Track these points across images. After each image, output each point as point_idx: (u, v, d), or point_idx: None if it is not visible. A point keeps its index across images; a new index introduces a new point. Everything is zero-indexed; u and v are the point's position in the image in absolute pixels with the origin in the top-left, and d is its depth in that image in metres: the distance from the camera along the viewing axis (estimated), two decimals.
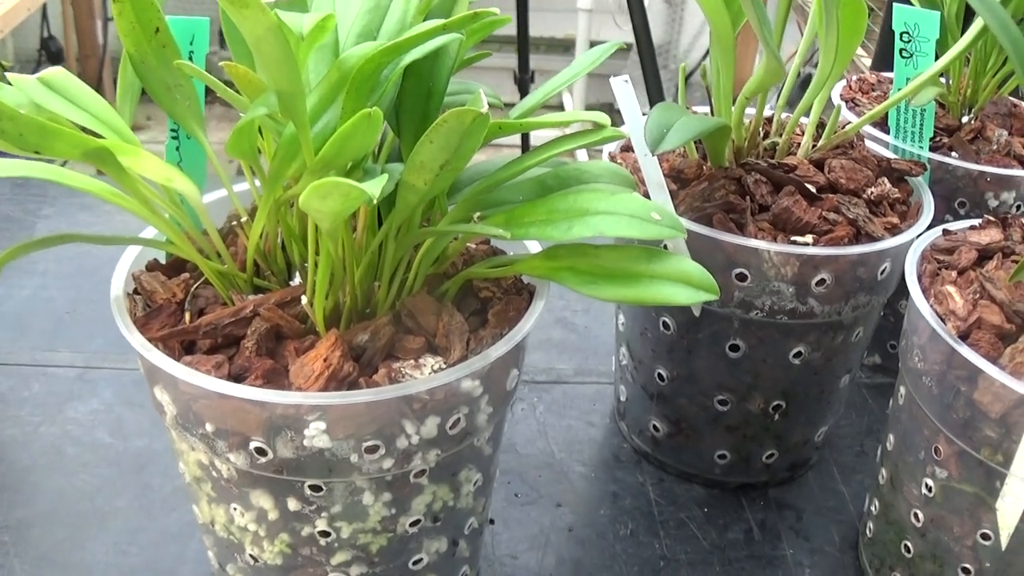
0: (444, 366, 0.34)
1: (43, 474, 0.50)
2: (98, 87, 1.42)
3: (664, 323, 0.47)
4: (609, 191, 0.32)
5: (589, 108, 2.04)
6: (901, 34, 0.52)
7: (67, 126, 0.38)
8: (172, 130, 0.40)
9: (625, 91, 0.43)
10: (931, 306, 0.40)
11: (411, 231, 0.34)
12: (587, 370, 0.57)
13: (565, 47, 2.08)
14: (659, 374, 0.48)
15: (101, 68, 1.41)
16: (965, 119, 0.57)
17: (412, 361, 0.35)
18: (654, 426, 0.50)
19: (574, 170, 0.35)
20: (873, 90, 0.60)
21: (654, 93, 1.31)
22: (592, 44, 1.90)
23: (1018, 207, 0.54)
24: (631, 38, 1.30)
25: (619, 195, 0.31)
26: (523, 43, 1.38)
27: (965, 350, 0.37)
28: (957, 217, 0.54)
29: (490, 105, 0.39)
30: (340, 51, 0.35)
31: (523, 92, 1.43)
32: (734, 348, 0.46)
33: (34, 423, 0.53)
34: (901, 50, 0.52)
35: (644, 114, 0.40)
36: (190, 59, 0.40)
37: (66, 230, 0.59)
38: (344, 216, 0.28)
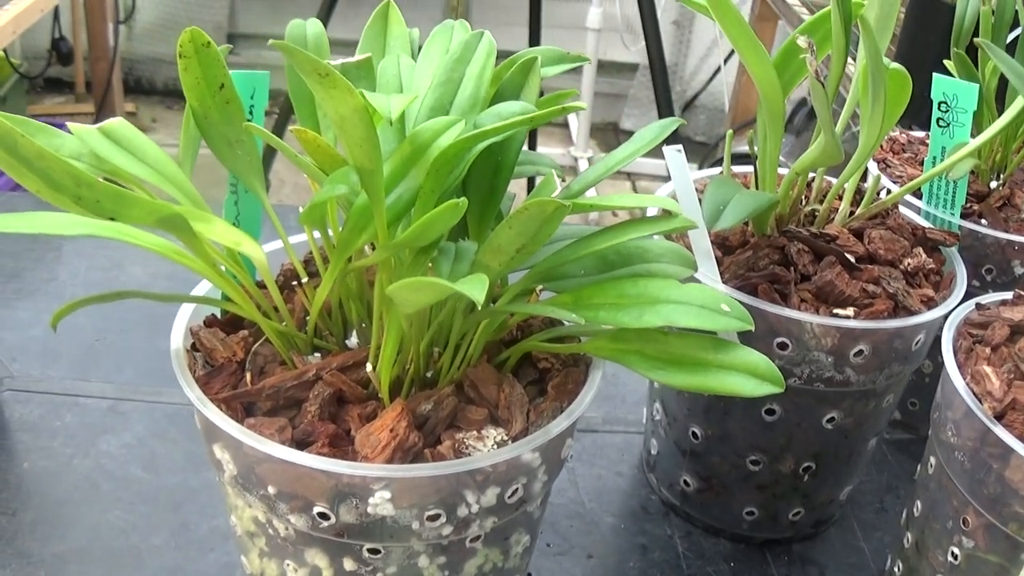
0: (506, 438, 0.35)
1: (77, 508, 0.50)
2: (107, 89, 1.41)
3: None
4: (677, 278, 0.33)
5: (595, 127, 2.05)
6: (939, 104, 0.53)
7: (132, 183, 0.38)
8: (232, 184, 0.41)
9: (677, 160, 0.44)
10: (967, 384, 0.41)
11: (479, 307, 0.35)
12: (616, 419, 0.58)
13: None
14: (693, 432, 0.49)
15: (111, 70, 1.40)
16: (994, 184, 0.59)
17: (475, 432, 0.35)
18: (685, 481, 0.51)
19: (636, 247, 0.36)
20: (904, 151, 0.62)
21: (664, 114, 1.32)
22: (600, 63, 1.91)
23: None
24: (639, 58, 1.32)
25: (689, 285, 0.32)
26: None
27: (1000, 431, 0.39)
28: (984, 283, 0.55)
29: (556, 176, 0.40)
30: (409, 122, 0.36)
31: None
32: (770, 412, 0.47)
33: (67, 455, 0.53)
34: (938, 119, 0.54)
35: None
36: (250, 113, 0.41)
37: (99, 282, 0.59)
38: (432, 304, 0.29)
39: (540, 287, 0.36)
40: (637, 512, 0.52)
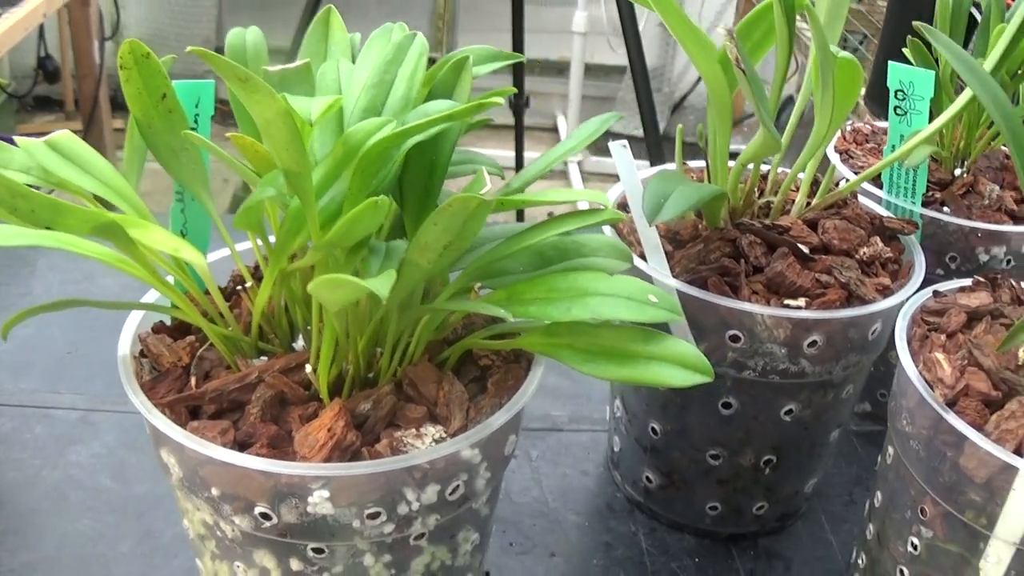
0: (445, 436, 0.35)
1: (46, 518, 0.51)
2: (94, 107, 1.43)
3: None
4: (608, 272, 0.33)
5: None
6: (896, 92, 0.53)
7: (78, 194, 0.38)
8: (177, 192, 0.41)
9: (623, 156, 0.44)
10: (920, 372, 0.41)
11: (414, 305, 0.35)
12: (581, 417, 0.58)
13: (559, 69, 2.10)
14: (652, 428, 0.49)
15: (98, 87, 1.42)
16: (958, 171, 0.58)
17: (413, 430, 0.35)
18: (647, 477, 0.51)
19: (573, 242, 0.36)
20: (867, 141, 0.62)
21: (648, 117, 1.33)
22: (587, 66, 1.91)
23: (1009, 261, 0.56)
24: (626, 60, 1.32)
25: (617, 277, 0.32)
26: (518, 67, 1.39)
27: (952, 418, 0.38)
28: (948, 271, 0.55)
29: (491, 174, 0.40)
30: (344, 124, 0.36)
31: (517, 117, 1.44)
32: (727, 405, 0.46)
33: (36, 466, 0.54)
34: (896, 107, 0.53)
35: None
36: (195, 121, 0.41)
37: (72, 294, 0.60)
38: (350, 302, 0.29)
39: (479, 285, 0.36)
40: (602, 510, 0.52)
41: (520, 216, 1.46)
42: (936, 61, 0.55)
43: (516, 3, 1.35)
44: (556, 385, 0.60)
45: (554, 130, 2.12)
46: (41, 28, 1.72)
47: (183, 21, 1.97)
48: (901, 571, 0.44)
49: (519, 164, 1.51)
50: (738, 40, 0.35)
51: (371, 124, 0.34)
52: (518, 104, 1.43)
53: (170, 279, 0.39)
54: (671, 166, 0.50)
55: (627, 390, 0.50)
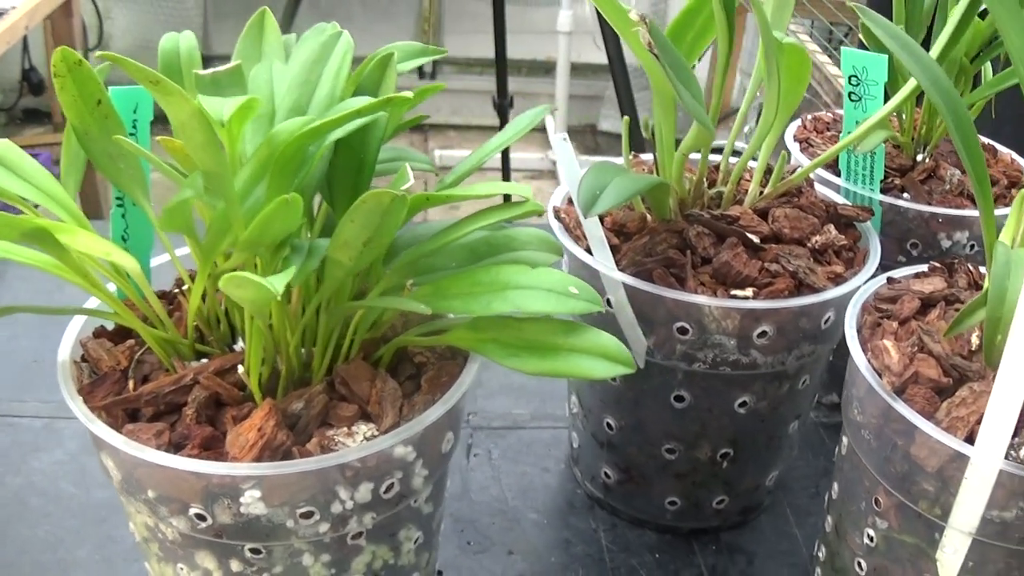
0: (376, 433, 0.35)
1: (6, 525, 0.51)
2: None
3: None
4: (530, 265, 0.33)
5: (571, 130, 2.06)
6: (850, 78, 0.53)
7: (16, 202, 0.39)
8: (117, 198, 0.41)
9: (564, 149, 0.44)
10: (868, 360, 0.40)
11: (341, 302, 0.35)
12: (544, 414, 0.57)
13: (546, 69, 2.10)
14: (608, 423, 0.49)
15: None
16: (920, 157, 0.58)
17: (345, 429, 0.35)
18: (605, 473, 0.51)
19: (504, 236, 0.36)
20: (828, 129, 0.61)
21: (629, 114, 1.32)
22: (573, 66, 1.91)
23: (972, 247, 0.55)
24: None
25: (539, 269, 0.31)
26: (501, 68, 1.39)
27: (901, 406, 0.38)
28: (910, 258, 0.55)
29: (425, 171, 0.40)
30: (274, 124, 0.36)
31: (502, 117, 1.44)
32: (679, 399, 0.46)
33: None
34: (850, 94, 0.53)
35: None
36: (134, 127, 0.41)
37: (11, 302, 0.60)
38: (263, 301, 0.28)
39: (411, 281, 0.36)
40: (562, 507, 0.51)
41: None
42: None
43: (497, 4, 1.35)
44: (519, 382, 0.59)
45: (542, 130, 2.12)
46: (25, 40, 1.73)
47: (169, 30, 1.97)
48: (859, 564, 0.43)
49: (505, 165, 1.51)
50: (651, 25, 0.34)
51: (295, 123, 0.33)
52: (502, 105, 1.42)
53: (111, 285, 0.39)
54: (618, 159, 0.50)
55: (582, 386, 0.50)
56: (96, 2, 1.79)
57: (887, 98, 0.51)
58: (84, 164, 0.40)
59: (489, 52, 1.45)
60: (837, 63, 1.33)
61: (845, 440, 0.43)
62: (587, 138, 2.14)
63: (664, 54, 0.35)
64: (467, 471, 0.54)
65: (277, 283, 0.26)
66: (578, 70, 1.90)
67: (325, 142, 0.32)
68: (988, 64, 0.58)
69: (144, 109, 0.41)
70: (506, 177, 1.60)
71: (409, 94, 0.31)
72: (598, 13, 1.37)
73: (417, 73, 2.11)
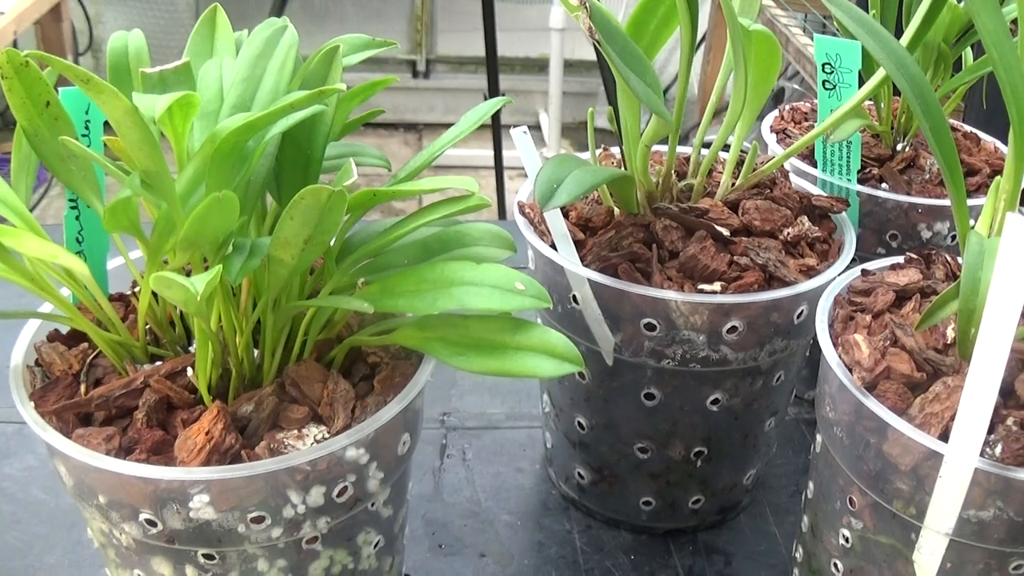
0: (327, 435, 0.34)
1: None
2: None
3: (579, 373, 0.46)
4: (476, 261, 0.32)
5: (566, 127, 2.05)
6: (823, 65, 0.52)
7: None
8: (71, 200, 0.40)
9: (524, 142, 0.43)
10: (839, 355, 0.39)
11: (290, 301, 0.34)
12: (519, 414, 0.57)
13: (540, 66, 2.09)
14: (579, 422, 0.48)
15: None
16: (900, 146, 0.57)
17: (295, 431, 0.34)
18: (579, 473, 0.50)
19: (456, 232, 0.35)
20: (806, 119, 0.60)
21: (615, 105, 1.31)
22: (567, 63, 1.90)
23: (953, 237, 0.54)
24: None
25: (484, 265, 0.31)
26: (492, 67, 1.38)
27: (872, 402, 0.37)
28: (889, 250, 0.53)
29: (378, 167, 0.39)
30: (220, 114, 0.35)
31: (493, 118, 1.43)
32: (649, 396, 0.45)
33: None
34: (824, 81, 0.52)
35: None
36: (86, 128, 0.40)
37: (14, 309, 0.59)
38: (190, 301, 0.28)
39: (362, 279, 0.35)
40: (536, 508, 0.51)
41: None
42: None
43: (486, 4, 1.34)
44: (493, 381, 0.58)
45: (536, 127, 2.11)
46: (15, 45, 1.73)
47: (161, 33, 1.98)
48: (835, 565, 0.42)
49: (498, 163, 1.50)
50: (594, 8, 0.33)
51: (237, 120, 0.33)
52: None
53: (65, 289, 0.38)
54: (584, 154, 0.49)
55: (552, 384, 0.49)
56: (85, 6, 1.79)
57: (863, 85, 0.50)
58: (36, 166, 0.40)
59: (483, 51, 1.44)
60: None
61: (820, 438, 0.42)
62: (581, 135, 2.13)
63: (609, 40, 0.33)
64: (440, 472, 0.53)
65: (198, 283, 0.25)
66: (572, 66, 1.89)
67: (266, 137, 0.32)
68: (968, 49, 0.57)
69: (96, 110, 0.41)
70: (499, 173, 1.59)
71: (343, 86, 0.30)
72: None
73: (410, 72, 2.10)
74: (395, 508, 0.39)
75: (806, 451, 0.55)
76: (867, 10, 0.56)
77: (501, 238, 0.34)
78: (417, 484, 0.51)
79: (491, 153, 1.57)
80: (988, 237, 0.40)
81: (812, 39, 1.36)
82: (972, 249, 0.37)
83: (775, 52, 0.45)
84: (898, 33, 0.57)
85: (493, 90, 1.41)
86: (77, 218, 0.41)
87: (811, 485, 0.44)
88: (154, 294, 0.38)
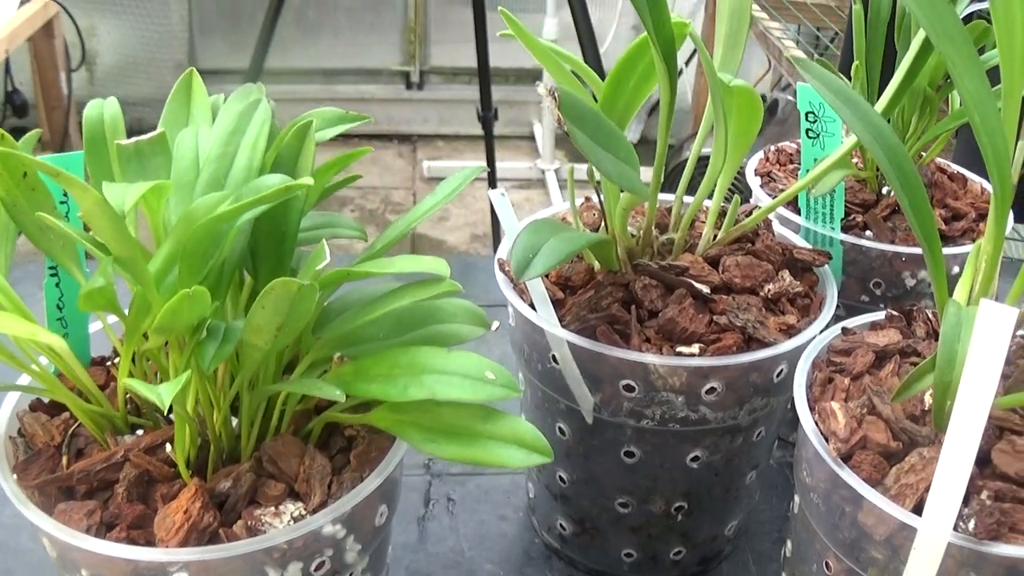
0: (304, 512, 0.34)
1: None
2: (64, 138, 1.43)
3: (560, 429, 0.46)
4: (456, 337, 0.32)
5: (560, 137, 2.04)
6: (807, 114, 0.52)
7: None
8: (51, 267, 0.40)
9: (502, 204, 0.43)
10: (815, 423, 0.39)
11: (265, 382, 0.34)
12: None
13: (534, 77, 2.09)
14: (560, 476, 0.48)
15: (67, 119, 1.42)
16: (885, 190, 0.57)
17: (272, 508, 0.34)
18: (561, 524, 0.50)
19: (430, 307, 0.35)
20: (791, 162, 0.60)
21: None
22: None
23: None
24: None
25: (455, 353, 0.31)
26: (484, 80, 1.38)
27: (847, 474, 0.37)
28: (873, 297, 0.53)
29: (354, 238, 0.39)
30: (193, 197, 0.35)
31: (486, 130, 1.43)
32: (629, 454, 0.45)
33: None
34: (807, 130, 0.52)
35: None
36: (65, 195, 0.40)
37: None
38: (160, 405, 0.28)
39: (339, 354, 0.35)
40: (519, 557, 0.51)
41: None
42: (849, 79, 0.53)
43: (478, 17, 1.34)
44: None
45: (531, 138, 2.11)
46: (8, 63, 1.73)
47: (155, 47, 1.97)
48: None
49: (491, 177, 1.50)
50: (562, 99, 0.33)
51: (211, 200, 0.33)
52: (486, 117, 1.41)
53: (45, 358, 0.38)
54: (560, 209, 0.49)
55: None
56: (77, 22, 1.79)
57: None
58: (15, 235, 0.40)
59: (475, 62, 1.44)
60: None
61: (797, 499, 0.43)
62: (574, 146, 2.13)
63: (579, 124, 0.33)
64: (424, 520, 0.53)
65: (165, 395, 0.26)
66: None
67: (237, 223, 0.32)
68: (955, 92, 0.57)
69: (74, 175, 0.41)
70: (492, 185, 1.59)
71: (310, 180, 0.30)
72: (574, 17, 1.36)
73: (404, 84, 2.10)
74: (374, 573, 0.39)
75: (790, 496, 0.56)
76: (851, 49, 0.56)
77: (475, 315, 0.35)
78: (401, 534, 0.52)
79: (484, 163, 1.57)
80: (968, 304, 0.41)
81: (805, 52, 1.36)
82: (949, 321, 0.37)
83: (756, 107, 0.45)
84: (885, 75, 0.57)
85: (485, 104, 1.41)
86: (57, 285, 0.41)
87: (789, 544, 0.44)
88: (133, 360, 0.38)
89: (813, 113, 0.51)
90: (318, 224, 0.38)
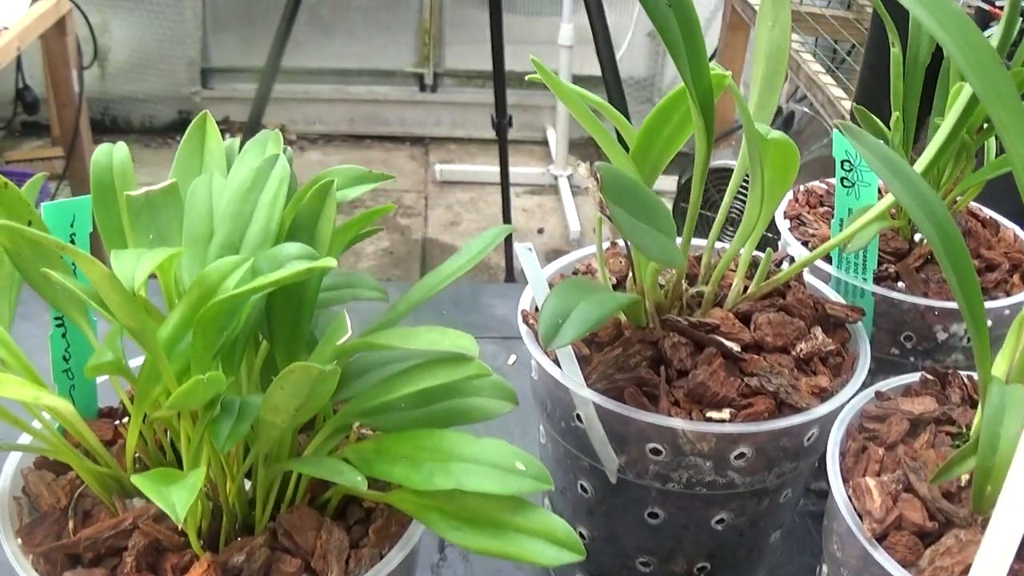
0: None
1: None
2: (75, 136, 1.42)
3: (582, 486, 0.45)
4: (495, 414, 0.31)
5: (573, 143, 2.02)
6: (842, 162, 0.50)
7: None
8: (56, 317, 0.39)
9: (529, 259, 0.41)
10: (849, 497, 0.38)
11: (281, 456, 0.33)
12: None
13: None
14: (580, 532, 0.47)
15: (78, 117, 1.41)
16: (918, 236, 0.55)
17: None
18: None
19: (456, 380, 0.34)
20: (821, 204, 0.58)
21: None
22: (575, 78, 1.88)
23: (968, 339, 0.52)
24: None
25: (484, 441, 0.29)
26: (499, 87, 1.36)
27: (881, 555, 0.35)
28: (904, 351, 0.52)
29: (375, 300, 0.37)
30: (206, 257, 0.34)
31: (500, 137, 1.41)
32: (653, 516, 0.44)
33: None
34: (843, 179, 0.50)
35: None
36: (72, 240, 0.39)
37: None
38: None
39: (358, 424, 0.34)
40: None
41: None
42: (888, 127, 0.51)
43: (495, 24, 1.32)
44: None
45: (544, 143, 2.08)
46: (19, 59, 1.71)
47: (167, 43, 1.96)
48: None
49: (504, 184, 1.48)
50: (604, 178, 0.32)
51: (226, 265, 0.31)
52: (501, 124, 1.39)
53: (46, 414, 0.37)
54: (584, 252, 0.47)
55: (553, 493, 0.48)
56: (89, 19, 1.77)
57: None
58: (19, 285, 0.38)
59: (489, 64, 1.42)
60: (839, 83, 1.29)
61: (825, 569, 0.41)
62: (589, 151, 2.10)
63: (620, 202, 0.32)
64: (439, 568, 0.52)
65: (179, 507, 0.24)
66: (579, 82, 1.86)
67: (253, 297, 0.30)
68: (993, 139, 0.55)
69: (82, 221, 0.39)
70: (506, 195, 1.57)
71: (332, 262, 0.28)
72: (591, 23, 1.34)
73: (418, 86, 2.08)
74: None
75: (811, 547, 0.54)
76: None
77: (503, 390, 0.33)
78: None
79: (497, 169, 1.55)
80: (1008, 379, 0.39)
81: (822, 66, 1.33)
82: (992, 402, 0.35)
83: (792, 158, 0.44)
84: (924, 112, 0.55)
85: (500, 111, 1.39)
86: (64, 335, 0.40)
87: None
88: (144, 418, 0.37)
89: (849, 162, 0.49)
90: (338, 284, 0.36)
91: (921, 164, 0.45)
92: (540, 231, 1.84)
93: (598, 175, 0.31)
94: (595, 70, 1.80)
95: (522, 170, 1.93)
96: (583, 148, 2.08)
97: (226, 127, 2.04)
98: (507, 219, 1.59)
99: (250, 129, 1.51)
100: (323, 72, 2.00)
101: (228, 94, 2.01)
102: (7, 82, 1.85)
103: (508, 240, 1.59)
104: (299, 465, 0.31)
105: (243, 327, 0.31)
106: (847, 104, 1.12)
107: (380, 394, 0.32)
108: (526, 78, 0.45)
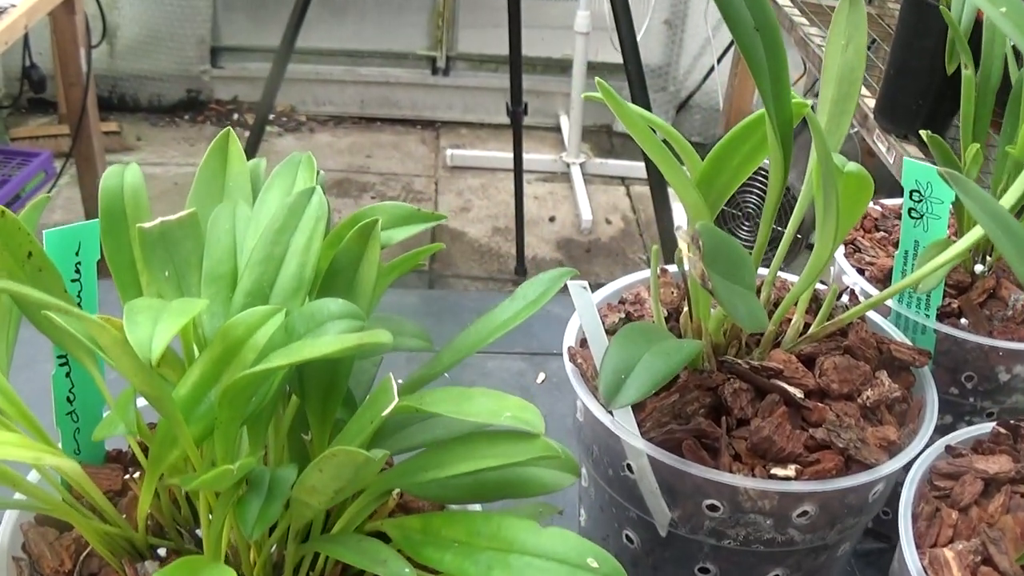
0: None
1: None
2: (82, 115, 1.37)
3: (627, 536, 0.42)
4: (533, 485, 0.28)
5: (587, 130, 1.96)
6: (911, 192, 0.46)
7: None
8: (60, 356, 0.35)
9: (584, 299, 0.38)
10: (924, 569, 0.35)
11: (313, 534, 0.29)
12: None
13: (562, 67, 2.00)
14: None
15: (85, 96, 1.36)
16: (979, 268, 0.51)
17: None
18: None
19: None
20: (876, 229, 0.54)
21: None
22: (590, 65, 1.82)
23: None
24: None
25: (551, 531, 0.26)
26: (515, 75, 1.31)
27: None
28: (964, 391, 0.48)
29: (419, 350, 0.34)
30: (231, 304, 0.30)
31: (515, 127, 1.37)
32: (704, 571, 0.41)
33: None
34: (911, 210, 0.46)
35: None
36: (77, 271, 0.35)
37: None
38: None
39: (398, 490, 0.31)
40: None
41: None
42: (959, 157, 0.47)
43: (512, 5, 1.26)
44: None
45: (557, 129, 2.03)
46: (26, 37, 1.66)
47: (177, 21, 1.89)
48: None
49: (518, 170, 1.44)
50: (706, 244, 0.28)
51: (255, 316, 0.28)
52: (516, 112, 1.35)
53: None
54: (632, 278, 0.43)
55: (595, 539, 0.44)
56: None
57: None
58: (18, 319, 0.35)
59: (505, 48, 1.37)
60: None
61: None
62: (602, 139, 2.05)
63: (715, 266, 0.28)
64: None
65: None
66: (594, 69, 1.80)
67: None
68: None
69: (88, 249, 0.35)
70: (519, 180, 1.52)
71: (387, 336, 0.25)
72: (614, 11, 1.28)
73: (430, 69, 2.02)
74: None
75: None
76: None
77: (567, 463, 0.30)
78: None
79: (511, 155, 1.51)
80: None
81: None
82: None
83: (866, 190, 0.40)
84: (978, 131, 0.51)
85: (516, 95, 1.35)
86: (67, 375, 0.36)
87: None
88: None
89: (918, 192, 0.46)
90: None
91: (1008, 200, 0.41)
92: (552, 219, 1.80)
93: (700, 243, 0.27)
94: (610, 57, 1.76)
95: (534, 157, 1.88)
96: (596, 134, 2.03)
97: (235, 107, 1.99)
98: (519, 208, 1.55)
99: (261, 111, 1.46)
100: (334, 53, 1.94)
101: (237, 73, 1.95)
102: (14, 60, 1.80)
103: (519, 227, 1.55)
104: (335, 548, 0.28)
105: (274, 394, 0.28)
106: (870, 102, 1.08)
107: (430, 467, 0.28)
108: (582, 96, 0.41)
